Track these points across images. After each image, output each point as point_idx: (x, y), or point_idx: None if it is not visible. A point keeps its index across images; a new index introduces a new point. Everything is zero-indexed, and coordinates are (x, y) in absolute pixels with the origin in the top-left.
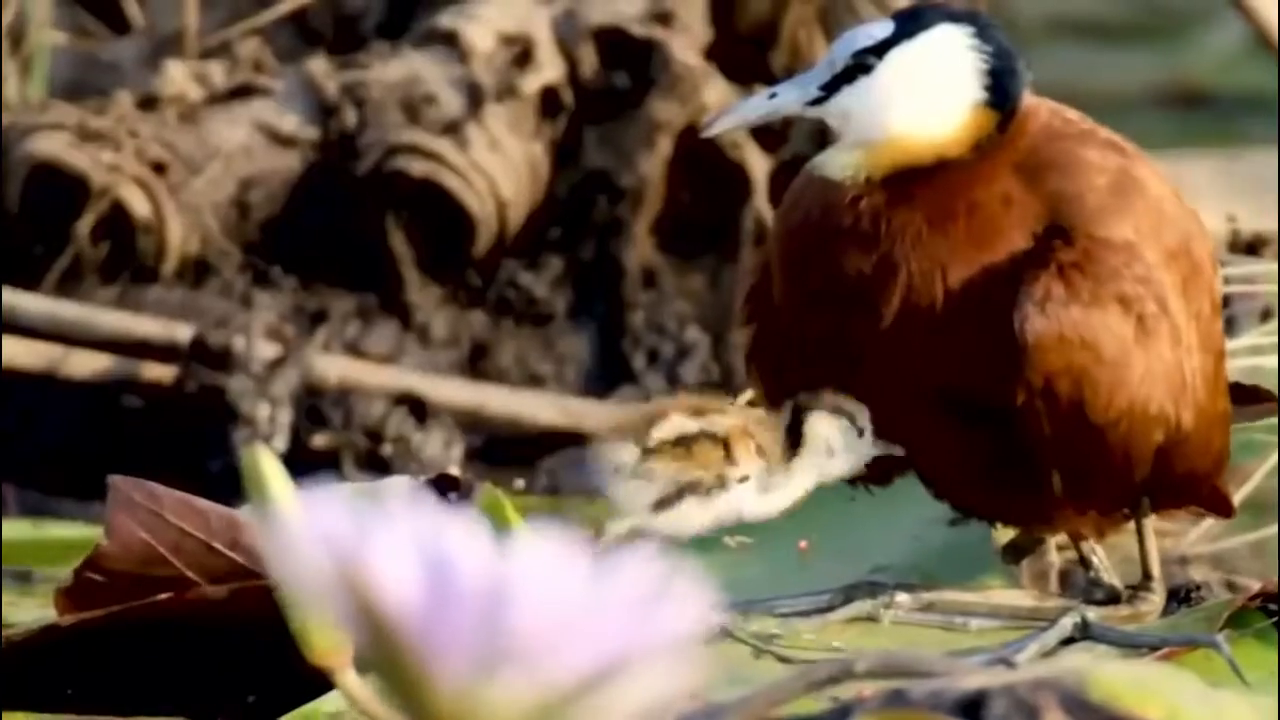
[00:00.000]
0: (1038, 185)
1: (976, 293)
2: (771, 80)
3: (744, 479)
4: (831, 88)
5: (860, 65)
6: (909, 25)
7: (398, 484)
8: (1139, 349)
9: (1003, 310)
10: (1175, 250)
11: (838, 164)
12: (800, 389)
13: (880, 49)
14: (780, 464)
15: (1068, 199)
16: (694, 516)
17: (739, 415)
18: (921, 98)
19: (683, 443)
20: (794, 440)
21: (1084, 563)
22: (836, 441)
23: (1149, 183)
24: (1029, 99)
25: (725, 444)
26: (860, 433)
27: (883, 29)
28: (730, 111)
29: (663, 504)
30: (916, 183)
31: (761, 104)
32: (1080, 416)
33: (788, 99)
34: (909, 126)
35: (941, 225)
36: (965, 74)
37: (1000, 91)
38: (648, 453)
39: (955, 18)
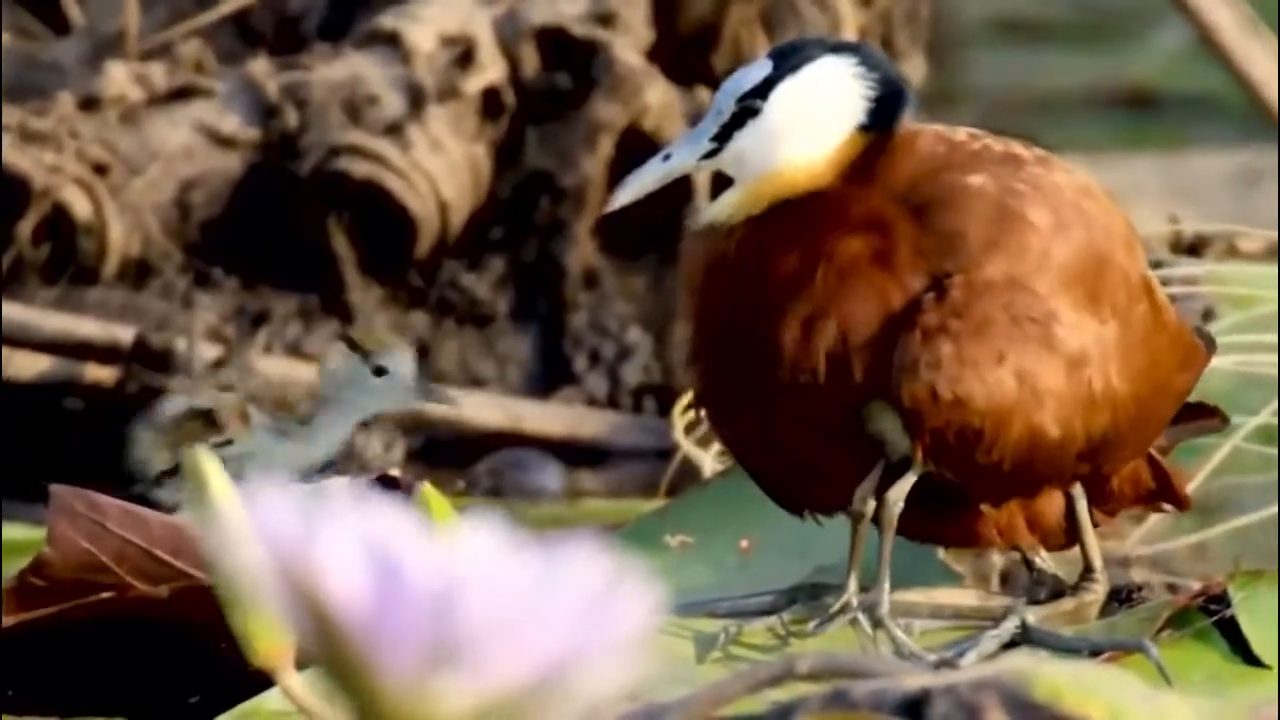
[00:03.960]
0: (928, 223)
1: (875, 336)
2: (713, 81)
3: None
4: (723, 137)
5: (748, 109)
6: (789, 61)
7: (337, 485)
8: (1022, 387)
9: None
10: (1072, 260)
11: (717, 210)
12: (738, 435)
13: (763, 89)
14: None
15: (952, 238)
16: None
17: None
18: (808, 129)
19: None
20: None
21: (1027, 563)
22: (346, 381)
23: (1039, 199)
24: (912, 126)
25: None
26: (380, 372)
27: (762, 69)
28: (628, 184)
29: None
30: (791, 217)
31: (658, 168)
32: (972, 460)
33: (682, 158)
34: (794, 156)
35: (815, 261)
36: (849, 101)
37: (880, 114)
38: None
39: (838, 49)
